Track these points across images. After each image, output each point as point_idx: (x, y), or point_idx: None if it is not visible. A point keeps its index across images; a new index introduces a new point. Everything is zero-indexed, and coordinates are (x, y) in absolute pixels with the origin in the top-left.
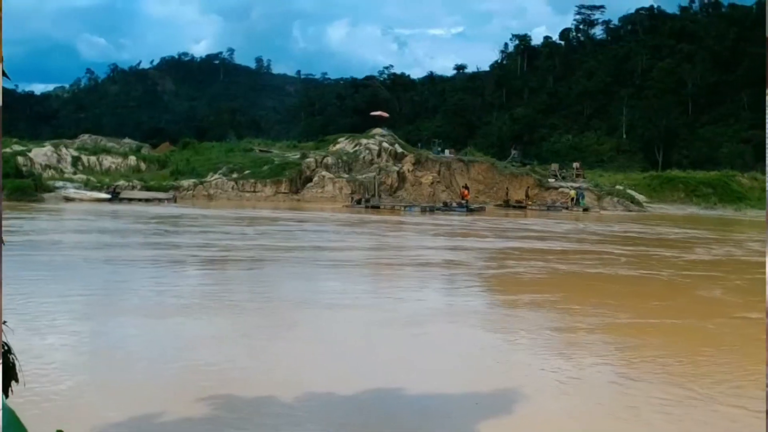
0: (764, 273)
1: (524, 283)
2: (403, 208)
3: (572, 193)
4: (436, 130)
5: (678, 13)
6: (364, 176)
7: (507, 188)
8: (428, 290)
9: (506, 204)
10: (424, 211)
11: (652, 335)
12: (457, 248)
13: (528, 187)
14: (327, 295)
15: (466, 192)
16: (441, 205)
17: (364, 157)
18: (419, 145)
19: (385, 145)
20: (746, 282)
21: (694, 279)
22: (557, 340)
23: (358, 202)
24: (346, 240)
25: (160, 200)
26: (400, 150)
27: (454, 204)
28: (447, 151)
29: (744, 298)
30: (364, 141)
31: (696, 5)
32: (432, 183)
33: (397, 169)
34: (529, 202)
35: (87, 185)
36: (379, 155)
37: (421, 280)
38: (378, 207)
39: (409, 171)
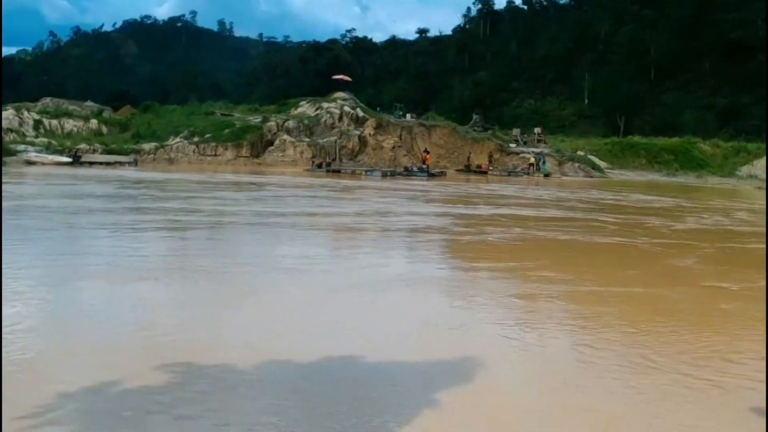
0: (745, 243)
1: (490, 249)
2: (364, 173)
3: (531, 159)
4: (399, 94)
5: None
6: (325, 140)
7: (469, 154)
8: (392, 257)
9: (467, 169)
10: (385, 175)
11: (618, 304)
12: (420, 214)
13: (491, 152)
14: (290, 260)
15: (427, 156)
16: (402, 169)
17: (325, 121)
18: (380, 109)
19: (346, 109)
20: (719, 251)
21: (666, 247)
22: (521, 307)
23: (319, 166)
24: (306, 206)
25: (121, 164)
26: (361, 114)
27: (415, 168)
28: (408, 116)
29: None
30: (325, 105)
31: None
32: (393, 147)
33: (358, 133)
34: (490, 168)
35: (48, 149)
36: (340, 119)
37: (384, 246)
38: (339, 171)
39: (370, 135)
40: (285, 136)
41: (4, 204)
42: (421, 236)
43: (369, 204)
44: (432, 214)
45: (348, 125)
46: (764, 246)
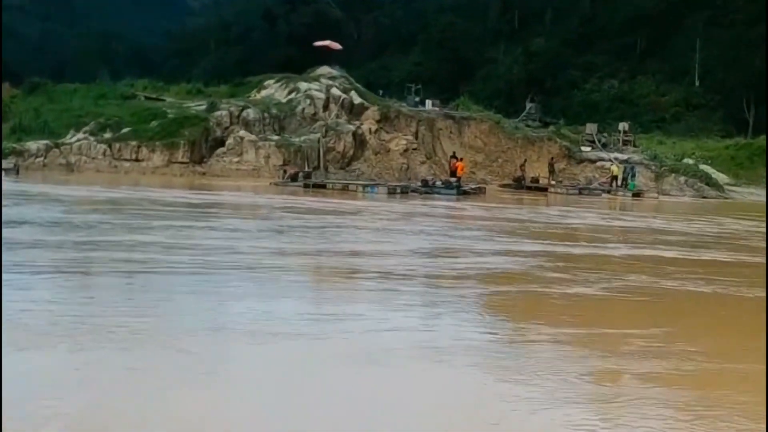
0: None
1: (557, 308)
2: (361, 189)
3: (614, 169)
4: (414, 70)
5: None
6: (303, 139)
7: (525, 162)
8: (400, 315)
9: (518, 184)
10: (393, 192)
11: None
12: (442, 253)
13: (553, 159)
14: (257, 321)
15: (458, 164)
16: (419, 184)
17: (303, 110)
18: (386, 93)
19: (335, 92)
20: None
21: None
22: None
23: (293, 178)
24: (267, 243)
25: None
26: (358, 100)
27: (439, 182)
28: (429, 103)
29: None
30: (303, 86)
31: None
32: (406, 150)
33: (353, 128)
34: (553, 182)
35: None
36: (326, 107)
37: (390, 306)
38: (323, 186)
39: (371, 132)
40: (242, 133)
41: None
42: (462, 286)
43: (374, 239)
44: (475, 256)
45: (337, 116)
46: None
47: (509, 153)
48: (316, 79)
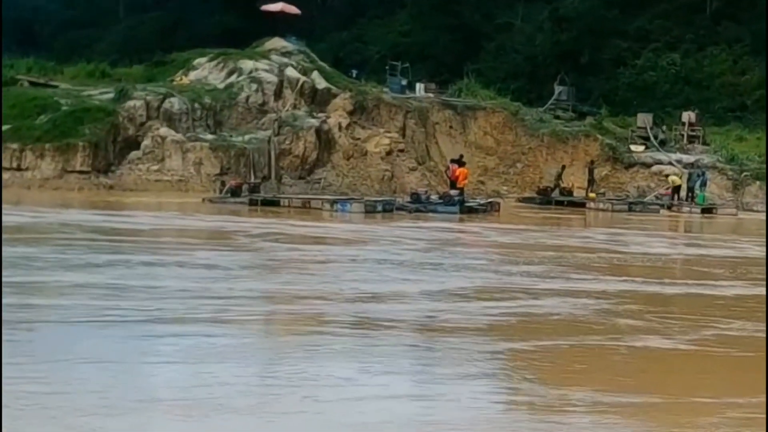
0: None
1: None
2: (328, 206)
3: (675, 178)
4: (400, 43)
5: None
6: (247, 138)
7: (563, 167)
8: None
9: (544, 196)
10: (371, 211)
11: None
12: (464, 294)
13: (592, 163)
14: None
15: (459, 171)
16: (407, 199)
17: (247, 99)
18: (361, 74)
19: (291, 73)
20: None
21: None
22: None
23: (234, 191)
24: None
25: None
26: (323, 84)
27: (435, 196)
28: (420, 87)
29: None
30: (248, 65)
31: None
32: (389, 153)
33: (316, 123)
34: (593, 194)
35: None
36: (278, 95)
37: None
38: (276, 202)
39: (341, 128)
40: (164, 131)
41: None
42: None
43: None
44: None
45: (295, 107)
46: None
47: (531, 155)
48: (265, 55)
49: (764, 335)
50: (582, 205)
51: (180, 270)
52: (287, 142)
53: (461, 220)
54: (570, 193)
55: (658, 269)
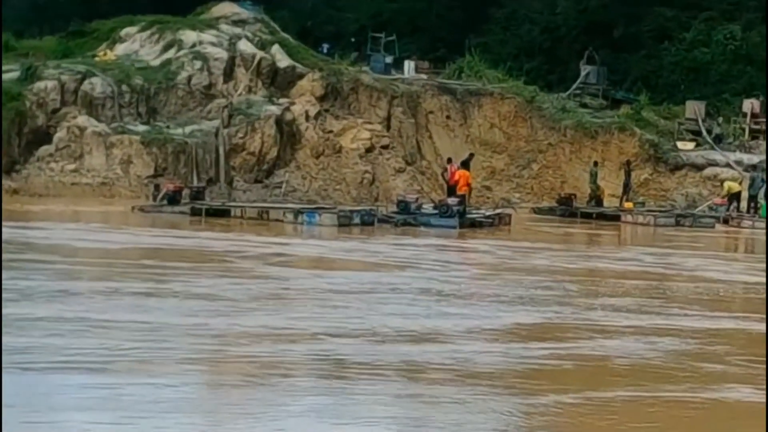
0: None
1: None
2: (292, 216)
3: (733, 184)
4: (383, 10)
5: None
6: (189, 130)
7: (595, 164)
8: None
9: (566, 205)
10: (346, 223)
11: None
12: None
13: (628, 164)
14: None
15: (459, 174)
16: (391, 209)
17: (189, 80)
18: (332, 48)
19: (245, 47)
20: None
21: None
22: None
23: (172, 198)
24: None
25: None
26: (285, 62)
27: (428, 205)
28: (410, 65)
29: None
30: (190, 37)
31: None
32: (370, 150)
33: (276, 111)
34: (629, 203)
35: None
36: (229, 74)
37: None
38: (225, 212)
39: (309, 117)
40: (82, 120)
41: None
42: None
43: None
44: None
45: (250, 90)
46: None
47: (551, 154)
48: (212, 24)
49: None
50: (615, 218)
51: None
52: (240, 135)
53: (461, 236)
54: (600, 202)
55: (749, 301)
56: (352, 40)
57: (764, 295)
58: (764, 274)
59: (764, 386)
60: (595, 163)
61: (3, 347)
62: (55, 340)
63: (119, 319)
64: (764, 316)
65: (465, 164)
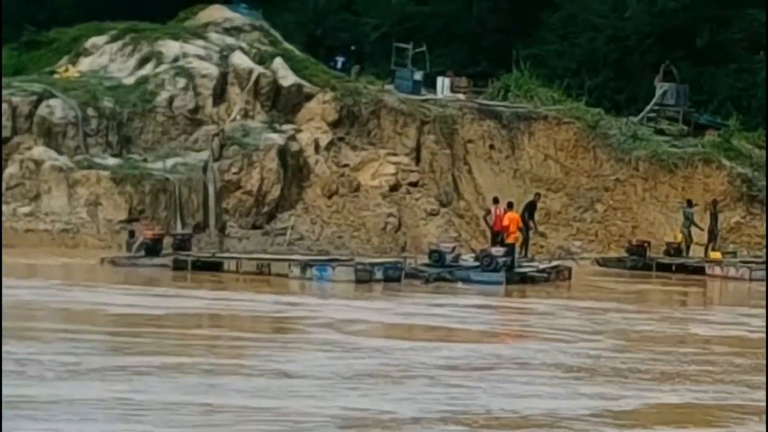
0: None
1: None
2: (299, 269)
3: None
4: (410, 14)
5: None
6: (171, 164)
7: (689, 204)
8: None
9: (638, 255)
10: (365, 278)
11: None
12: None
13: (715, 204)
14: None
15: (508, 217)
16: (422, 260)
17: (171, 102)
18: (349, 61)
19: (239, 61)
20: None
21: None
22: None
23: (150, 248)
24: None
25: None
26: (290, 79)
27: (467, 257)
28: (444, 82)
29: None
30: (172, 48)
31: None
32: (396, 187)
33: (279, 140)
34: (716, 253)
35: None
36: (221, 96)
37: None
38: (217, 265)
39: (320, 148)
40: (39, 151)
41: None
42: None
43: None
44: None
45: (247, 114)
46: None
47: (619, 192)
48: (199, 33)
49: None
50: (699, 270)
51: None
52: (234, 170)
53: (509, 294)
54: (678, 251)
55: None
56: (371, 52)
57: None
58: None
59: None
60: (690, 203)
61: None
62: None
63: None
64: None
65: (530, 207)
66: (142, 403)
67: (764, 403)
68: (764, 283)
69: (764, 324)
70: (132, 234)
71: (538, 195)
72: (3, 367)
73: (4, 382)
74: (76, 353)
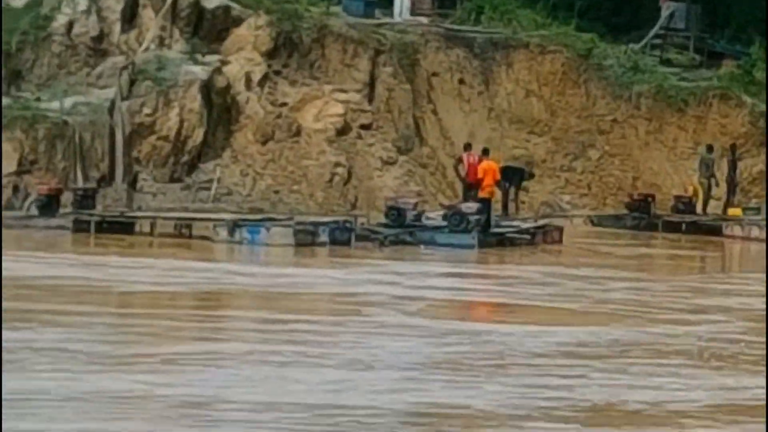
0: None
1: None
2: (226, 231)
3: None
4: None
5: None
6: (70, 104)
7: (709, 153)
8: None
9: (640, 210)
10: (306, 242)
11: None
12: None
13: (734, 149)
14: None
15: (482, 166)
16: (377, 219)
17: (70, 29)
18: None
19: None
20: None
21: None
22: None
23: (45, 205)
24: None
25: None
26: (216, 1)
27: (431, 214)
28: (402, 1)
29: None
30: None
31: None
32: (345, 130)
33: (202, 74)
34: (736, 210)
35: None
36: (130, 20)
37: None
38: (127, 226)
39: (253, 83)
40: None
41: None
42: None
43: None
44: None
45: (163, 41)
46: None
47: (618, 134)
48: None
49: None
50: (715, 230)
51: None
52: (148, 111)
53: (484, 260)
54: (690, 205)
55: None
56: None
57: None
58: None
59: None
60: (709, 148)
61: None
62: None
63: None
64: None
65: (517, 174)
66: None
67: None
68: None
69: None
70: (16, 189)
71: (532, 175)
72: None
73: None
74: None
